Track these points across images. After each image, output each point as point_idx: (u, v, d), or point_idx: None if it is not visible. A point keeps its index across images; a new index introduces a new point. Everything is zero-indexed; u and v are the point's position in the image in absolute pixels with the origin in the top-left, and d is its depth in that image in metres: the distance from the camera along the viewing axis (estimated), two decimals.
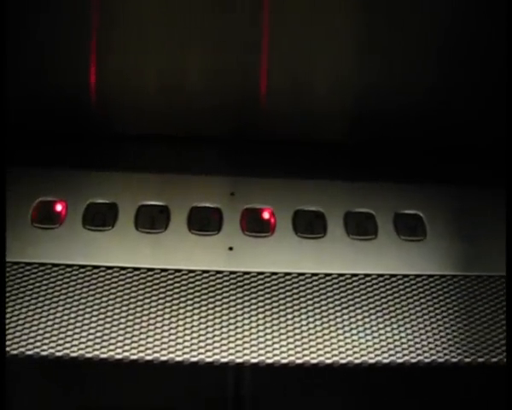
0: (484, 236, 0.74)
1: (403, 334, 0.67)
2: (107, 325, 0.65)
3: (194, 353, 0.64)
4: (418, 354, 0.65)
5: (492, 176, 0.79)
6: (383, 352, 0.65)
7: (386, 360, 0.65)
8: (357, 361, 0.65)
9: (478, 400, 0.68)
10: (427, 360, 0.65)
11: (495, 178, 0.78)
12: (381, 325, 0.67)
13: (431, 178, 0.78)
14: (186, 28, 0.76)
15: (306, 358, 0.64)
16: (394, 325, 0.67)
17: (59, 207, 0.73)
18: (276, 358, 0.64)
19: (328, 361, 0.64)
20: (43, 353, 0.63)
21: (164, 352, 0.64)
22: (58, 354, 0.63)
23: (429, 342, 0.66)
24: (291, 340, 0.66)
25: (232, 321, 0.66)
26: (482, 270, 0.72)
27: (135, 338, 0.65)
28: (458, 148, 0.81)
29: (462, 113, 0.81)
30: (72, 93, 0.78)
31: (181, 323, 0.66)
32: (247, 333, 0.66)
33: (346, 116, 0.80)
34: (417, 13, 0.76)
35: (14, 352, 0.63)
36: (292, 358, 0.64)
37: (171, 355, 0.64)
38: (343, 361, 0.65)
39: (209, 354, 0.64)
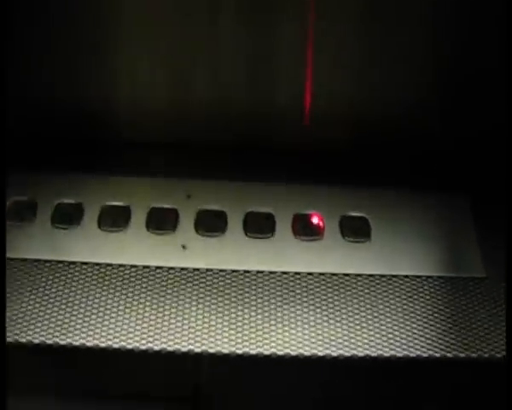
0: (425, 238, 0.78)
1: (339, 329, 0.71)
2: (67, 315, 0.71)
3: (144, 341, 0.69)
4: (352, 349, 0.70)
5: (439, 182, 0.83)
6: (319, 345, 0.70)
7: (321, 354, 0.69)
8: (293, 354, 0.69)
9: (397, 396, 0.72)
10: (360, 355, 0.69)
11: (442, 184, 0.82)
12: (318, 320, 0.72)
13: (378, 182, 0.82)
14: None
15: (246, 349, 0.70)
16: (331, 321, 0.72)
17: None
18: (218, 348, 0.70)
19: (267, 353, 0.69)
20: (9, 339, 0.69)
21: (116, 340, 0.70)
22: (22, 340, 0.69)
23: (364, 338, 0.70)
24: (233, 332, 0.71)
25: (180, 313, 0.72)
26: (421, 271, 0.76)
27: (91, 327, 0.70)
28: (407, 154, 0.85)
29: (420, 122, 0.85)
30: (43, 97, 0.84)
31: (134, 314, 0.71)
32: (193, 324, 0.71)
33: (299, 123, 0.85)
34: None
35: None
36: (233, 348, 0.70)
37: (123, 343, 0.69)
38: (280, 353, 0.69)
39: (157, 342, 0.69)
